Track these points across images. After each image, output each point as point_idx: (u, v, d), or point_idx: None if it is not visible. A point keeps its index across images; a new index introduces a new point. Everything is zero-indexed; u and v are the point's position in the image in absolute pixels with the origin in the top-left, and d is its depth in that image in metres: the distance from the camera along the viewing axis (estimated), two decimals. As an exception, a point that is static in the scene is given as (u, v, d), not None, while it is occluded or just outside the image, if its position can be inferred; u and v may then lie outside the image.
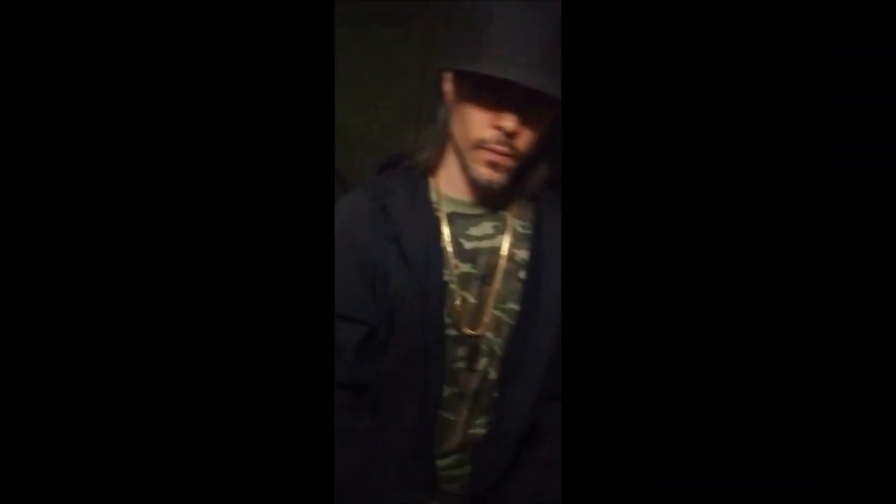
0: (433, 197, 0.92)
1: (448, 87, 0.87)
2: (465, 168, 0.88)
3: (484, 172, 0.85)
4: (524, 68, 0.78)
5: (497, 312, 0.89)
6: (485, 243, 0.90)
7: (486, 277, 0.89)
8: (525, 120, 0.83)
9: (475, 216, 0.91)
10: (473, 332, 0.88)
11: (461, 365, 0.89)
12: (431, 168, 0.93)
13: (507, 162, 0.85)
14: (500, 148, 0.83)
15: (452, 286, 0.88)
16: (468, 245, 0.90)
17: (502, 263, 0.90)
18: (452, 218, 0.90)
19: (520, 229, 0.92)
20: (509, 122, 0.81)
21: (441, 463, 0.91)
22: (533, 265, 0.90)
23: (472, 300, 0.89)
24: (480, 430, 0.91)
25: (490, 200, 0.91)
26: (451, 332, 0.88)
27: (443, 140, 0.90)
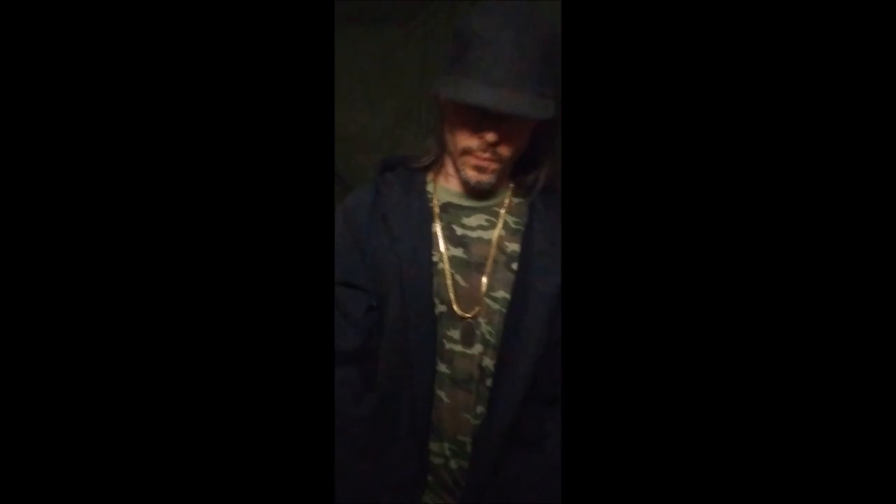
0: (429, 188, 0.98)
1: (439, 99, 0.92)
2: (457, 169, 0.95)
3: (472, 175, 0.93)
4: (497, 90, 0.84)
5: (488, 300, 0.92)
6: (476, 233, 0.95)
7: (478, 265, 0.93)
8: (506, 131, 0.89)
9: (469, 208, 0.97)
10: (467, 315, 0.91)
11: (456, 347, 0.91)
12: (430, 167, 0.99)
13: (493, 166, 0.92)
14: (484, 155, 0.91)
15: (442, 266, 0.92)
16: (459, 231, 0.95)
17: (493, 252, 0.93)
18: (446, 207, 0.96)
19: (512, 224, 0.96)
20: (490, 135, 0.88)
21: (433, 447, 0.92)
22: (524, 258, 0.93)
23: (463, 284, 0.92)
24: (474, 421, 0.92)
25: (484, 196, 0.97)
26: (442, 308, 0.91)
27: (441, 146, 0.96)
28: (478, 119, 0.88)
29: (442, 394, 0.91)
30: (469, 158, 0.91)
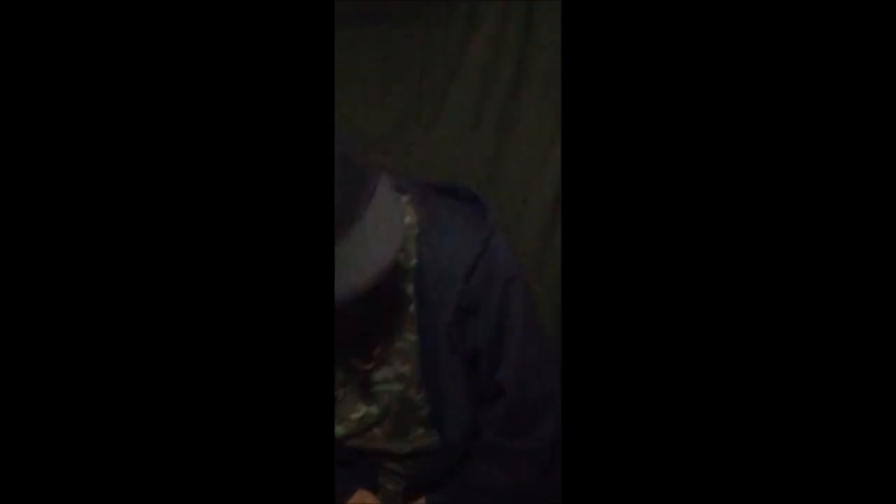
0: None
1: None
2: None
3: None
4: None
5: (399, 343, 0.94)
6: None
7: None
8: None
9: None
10: (366, 367, 0.93)
11: (376, 387, 0.95)
12: None
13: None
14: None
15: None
16: None
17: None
18: None
19: (404, 265, 0.92)
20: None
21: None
22: (418, 297, 0.92)
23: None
24: (411, 445, 0.97)
25: None
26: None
27: None
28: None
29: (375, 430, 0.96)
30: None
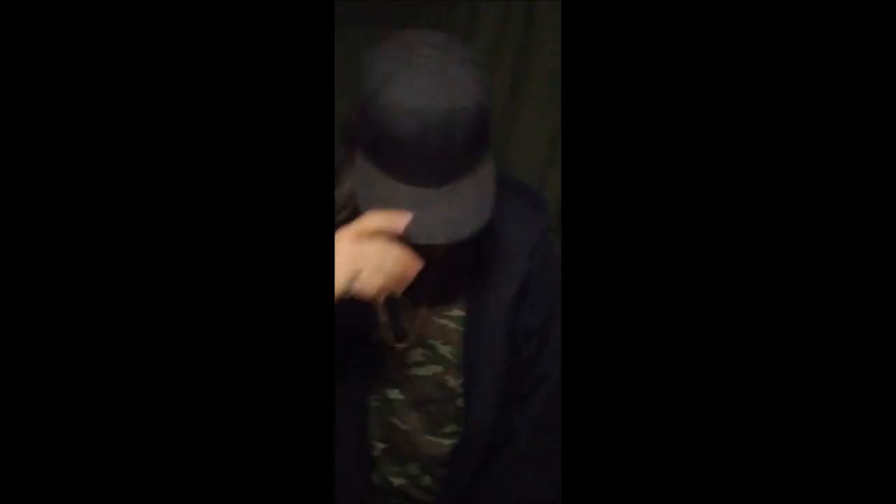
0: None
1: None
2: None
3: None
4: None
5: (442, 321, 0.89)
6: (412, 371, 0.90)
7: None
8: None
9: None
10: (400, 345, 0.88)
11: (409, 370, 0.89)
12: None
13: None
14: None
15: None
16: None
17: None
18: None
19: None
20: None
21: (394, 470, 0.91)
22: (478, 270, 0.88)
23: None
24: (445, 441, 0.90)
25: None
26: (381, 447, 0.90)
27: None
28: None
29: (396, 420, 0.90)
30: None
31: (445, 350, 0.89)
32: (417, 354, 0.90)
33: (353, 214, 0.79)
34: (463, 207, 0.75)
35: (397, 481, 0.92)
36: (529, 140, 1.23)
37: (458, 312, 0.89)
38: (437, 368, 0.89)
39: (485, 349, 0.88)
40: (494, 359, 0.88)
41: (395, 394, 0.89)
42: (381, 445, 0.92)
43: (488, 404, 0.89)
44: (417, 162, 0.74)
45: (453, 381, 0.89)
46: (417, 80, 0.73)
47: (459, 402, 0.89)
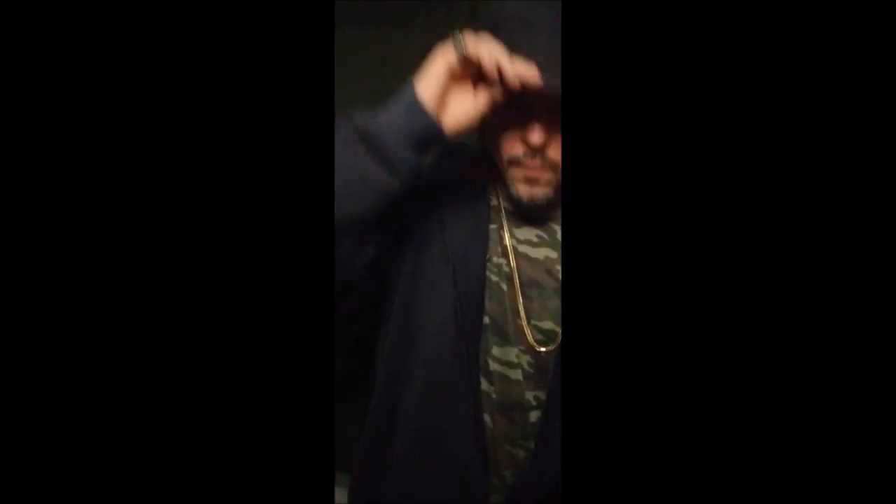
0: (490, 193, 0.87)
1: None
2: (506, 185, 0.82)
3: (523, 191, 0.80)
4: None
5: (528, 328, 0.83)
6: (523, 247, 0.85)
7: (523, 286, 0.83)
8: (554, 129, 0.77)
9: (523, 217, 0.85)
10: (541, 349, 0.81)
11: (500, 368, 0.83)
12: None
13: (546, 176, 0.79)
14: (534, 164, 0.78)
15: (487, 273, 0.82)
16: (508, 241, 0.84)
17: (538, 275, 0.83)
18: (503, 210, 0.85)
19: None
20: (535, 135, 0.76)
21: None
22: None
23: (505, 301, 0.83)
24: (523, 455, 0.84)
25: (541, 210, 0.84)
26: (486, 321, 0.83)
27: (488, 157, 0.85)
28: (518, 118, 0.77)
29: (486, 417, 0.83)
30: (517, 171, 0.79)
31: (527, 360, 0.83)
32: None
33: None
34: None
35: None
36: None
37: (549, 325, 0.83)
38: (518, 372, 0.83)
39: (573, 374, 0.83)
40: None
41: (485, 386, 0.83)
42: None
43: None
44: (517, 39, 0.73)
45: (539, 394, 0.83)
46: None
47: (535, 415, 0.82)
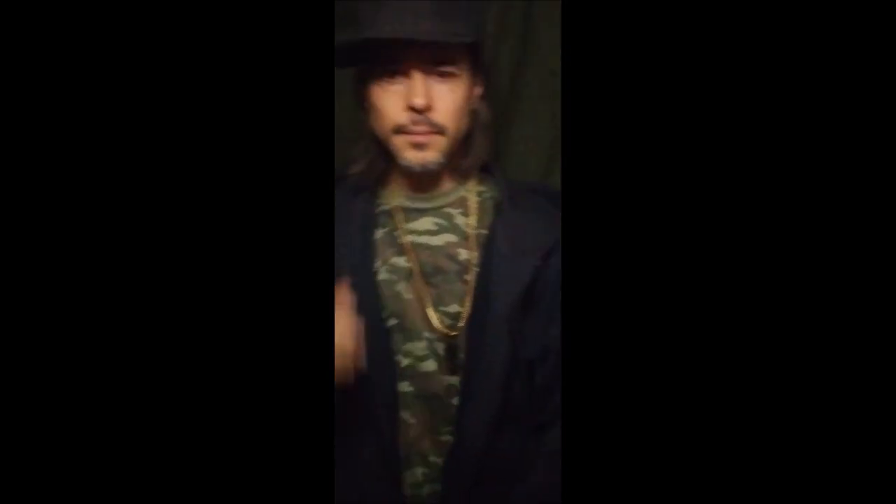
0: (380, 194, 0.89)
1: (358, 88, 0.84)
2: (397, 158, 0.84)
3: (411, 157, 0.82)
4: (413, 23, 0.74)
5: (436, 314, 0.85)
6: (423, 238, 0.87)
7: (426, 275, 0.85)
8: (436, 91, 0.80)
9: (417, 210, 0.88)
10: (448, 332, 0.83)
11: (417, 364, 0.85)
12: (379, 177, 0.90)
13: (433, 140, 0.81)
14: (419, 128, 0.80)
15: (383, 277, 0.85)
16: (404, 238, 0.87)
17: (441, 261, 0.86)
18: (395, 212, 0.88)
19: (467, 229, 0.87)
20: (418, 97, 0.78)
21: (406, 476, 0.86)
22: (483, 269, 0.85)
23: (406, 296, 0.85)
24: (445, 439, 0.86)
25: (435, 196, 0.88)
26: (392, 322, 0.85)
27: (374, 146, 0.87)
28: (399, 83, 0.79)
29: (407, 414, 0.85)
30: (402, 139, 0.81)
31: (439, 346, 0.85)
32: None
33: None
34: (433, 25, 0.74)
35: (406, 491, 0.87)
36: (529, 141, 1.23)
37: (454, 308, 0.86)
38: (432, 363, 0.85)
39: (484, 355, 0.84)
40: (494, 369, 0.83)
41: (404, 386, 0.85)
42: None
43: (483, 413, 0.84)
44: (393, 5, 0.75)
45: (454, 380, 0.85)
46: None
47: (455, 401, 0.84)
